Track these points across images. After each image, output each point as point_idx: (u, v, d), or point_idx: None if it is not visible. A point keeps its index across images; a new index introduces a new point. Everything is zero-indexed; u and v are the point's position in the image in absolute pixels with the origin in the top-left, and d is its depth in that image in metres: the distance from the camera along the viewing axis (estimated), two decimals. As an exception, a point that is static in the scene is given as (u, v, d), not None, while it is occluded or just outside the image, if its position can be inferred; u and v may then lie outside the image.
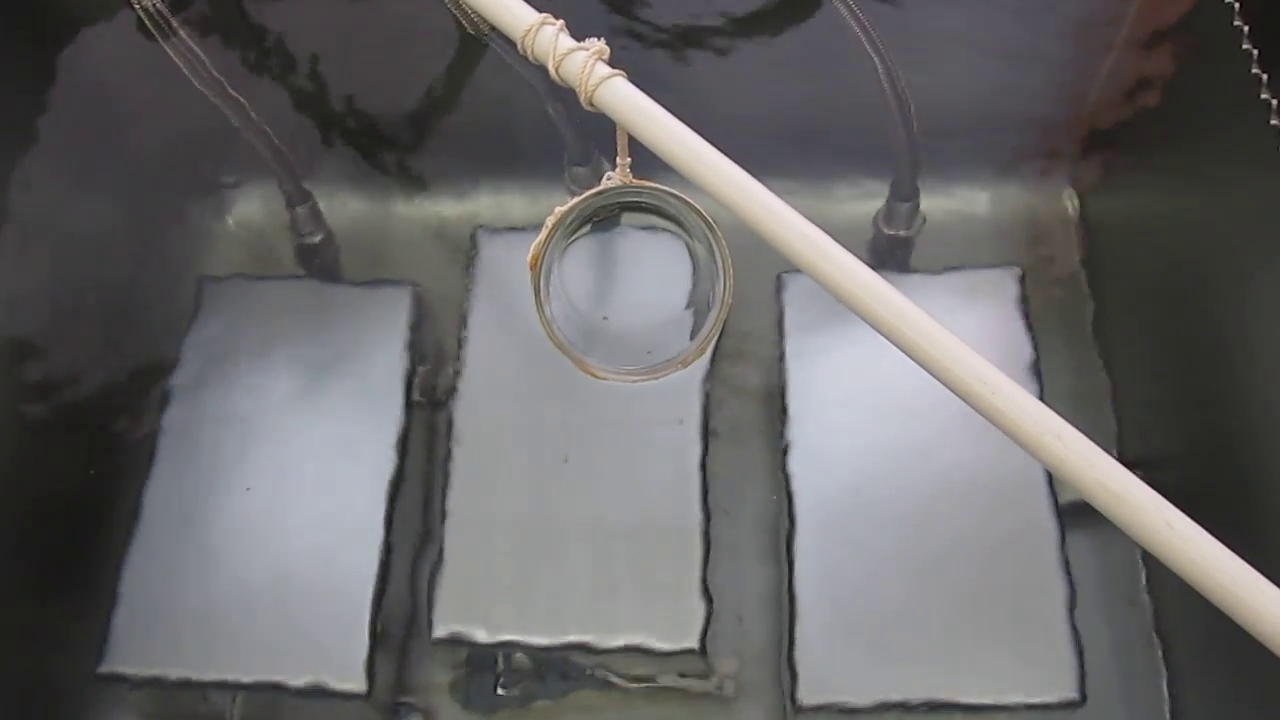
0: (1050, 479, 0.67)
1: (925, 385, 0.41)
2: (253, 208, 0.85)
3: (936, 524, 0.66)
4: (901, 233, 0.81)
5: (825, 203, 0.83)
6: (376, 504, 0.68)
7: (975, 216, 0.83)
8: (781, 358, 0.72)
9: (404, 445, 0.71)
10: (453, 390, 0.72)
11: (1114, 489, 0.37)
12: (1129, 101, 0.79)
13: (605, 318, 0.53)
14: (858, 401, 0.70)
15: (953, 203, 0.83)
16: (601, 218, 0.49)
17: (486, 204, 0.85)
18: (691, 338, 0.50)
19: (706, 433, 0.70)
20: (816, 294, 0.44)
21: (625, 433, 0.70)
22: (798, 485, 0.68)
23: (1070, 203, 0.83)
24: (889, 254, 0.81)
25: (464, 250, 0.78)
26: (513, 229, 0.77)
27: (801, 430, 0.69)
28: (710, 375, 0.72)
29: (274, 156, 0.78)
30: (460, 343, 0.73)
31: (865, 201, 0.83)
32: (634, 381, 0.50)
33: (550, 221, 0.48)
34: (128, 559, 0.67)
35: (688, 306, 0.52)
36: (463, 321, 0.74)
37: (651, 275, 0.56)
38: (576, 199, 0.48)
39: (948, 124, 0.81)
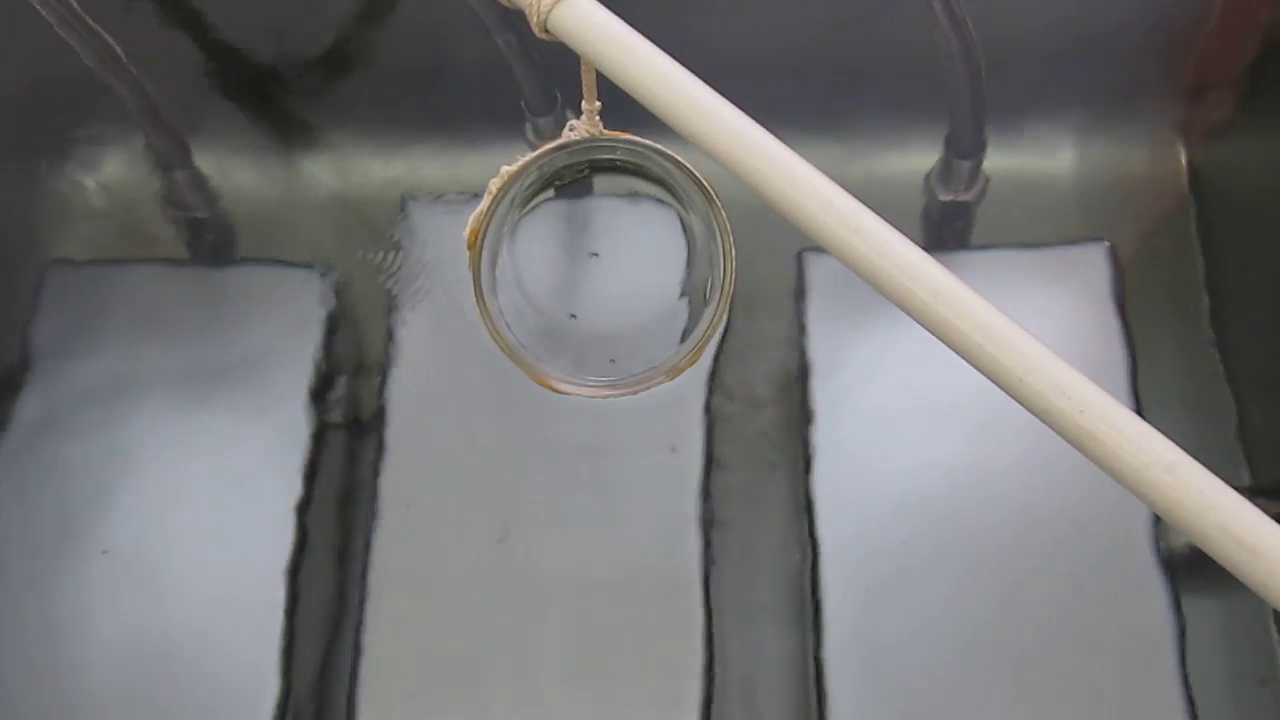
0: (1156, 522, 0.67)
1: (990, 399, 0.41)
2: (120, 173, 0.85)
3: (1004, 578, 0.66)
4: (960, 198, 0.81)
5: (860, 161, 0.82)
6: (277, 567, 0.68)
7: (1055, 177, 0.83)
8: (803, 364, 0.72)
9: (313, 483, 0.71)
10: (378, 409, 0.72)
11: (1244, 538, 0.36)
12: (1261, 28, 0.79)
13: (572, 315, 0.53)
14: (903, 420, 0.70)
15: (1026, 160, 0.83)
16: (565, 181, 0.49)
17: (420, 166, 0.85)
18: (684, 339, 0.50)
19: (708, 462, 0.70)
20: (849, 280, 0.43)
21: (602, 464, 0.70)
22: (826, 527, 0.68)
23: (1180, 160, 0.83)
24: (944, 226, 0.82)
25: (391, 226, 0.78)
26: (455, 196, 0.77)
27: (830, 457, 0.69)
28: (711, 387, 0.72)
29: (145, 108, 0.78)
30: (388, 347, 0.73)
31: (913, 159, 0.82)
32: (610, 397, 0.50)
33: (495, 186, 0.47)
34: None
35: (680, 297, 0.51)
36: (390, 319, 0.74)
37: (632, 257, 0.55)
38: (530, 156, 0.47)
39: (1019, 56, 0.80)
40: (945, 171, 0.81)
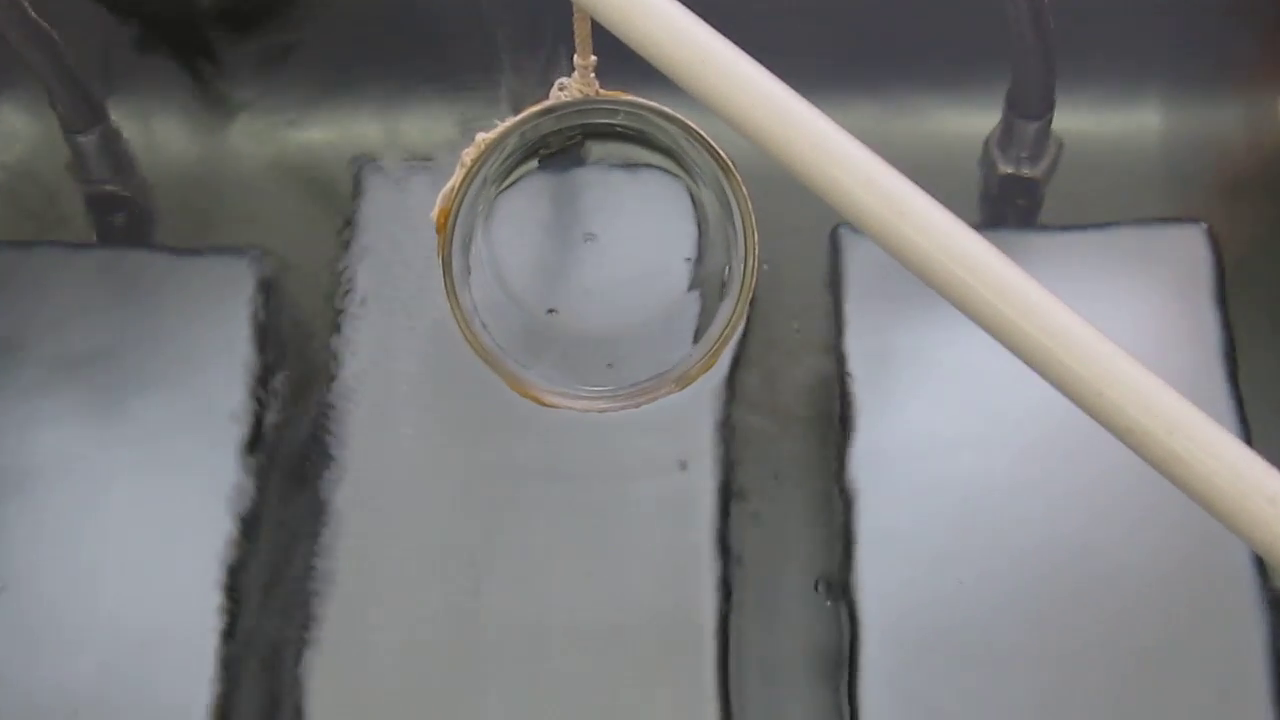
0: (1259, 565, 0.67)
1: (1059, 412, 0.41)
2: (19, 139, 0.84)
3: (1078, 626, 0.66)
4: (1025, 170, 0.81)
5: (905, 124, 0.82)
6: (205, 609, 0.68)
7: (1140, 145, 0.82)
8: (839, 367, 0.71)
9: (247, 513, 0.70)
10: (324, 425, 0.72)
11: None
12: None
13: (552, 310, 0.53)
14: (959, 437, 0.69)
15: (1105, 123, 0.83)
16: (553, 150, 0.50)
17: (375, 128, 0.85)
18: (696, 339, 0.50)
19: (725, 486, 0.70)
20: (892, 267, 0.43)
21: (596, 491, 0.69)
22: (865, 565, 0.67)
23: (1284, 126, 0.85)
24: (1006, 203, 0.81)
25: (341, 201, 0.77)
26: (417, 161, 0.76)
27: (873, 482, 0.69)
28: (729, 397, 0.72)
29: (50, 61, 0.77)
30: (337, 348, 0.73)
31: (969, 122, 0.82)
32: (606, 410, 0.50)
33: (469, 156, 0.48)
34: None
35: (691, 289, 0.52)
36: (340, 311, 0.73)
37: (632, 241, 0.55)
38: (512, 120, 0.47)
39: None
40: (1007, 136, 0.80)
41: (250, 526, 0.71)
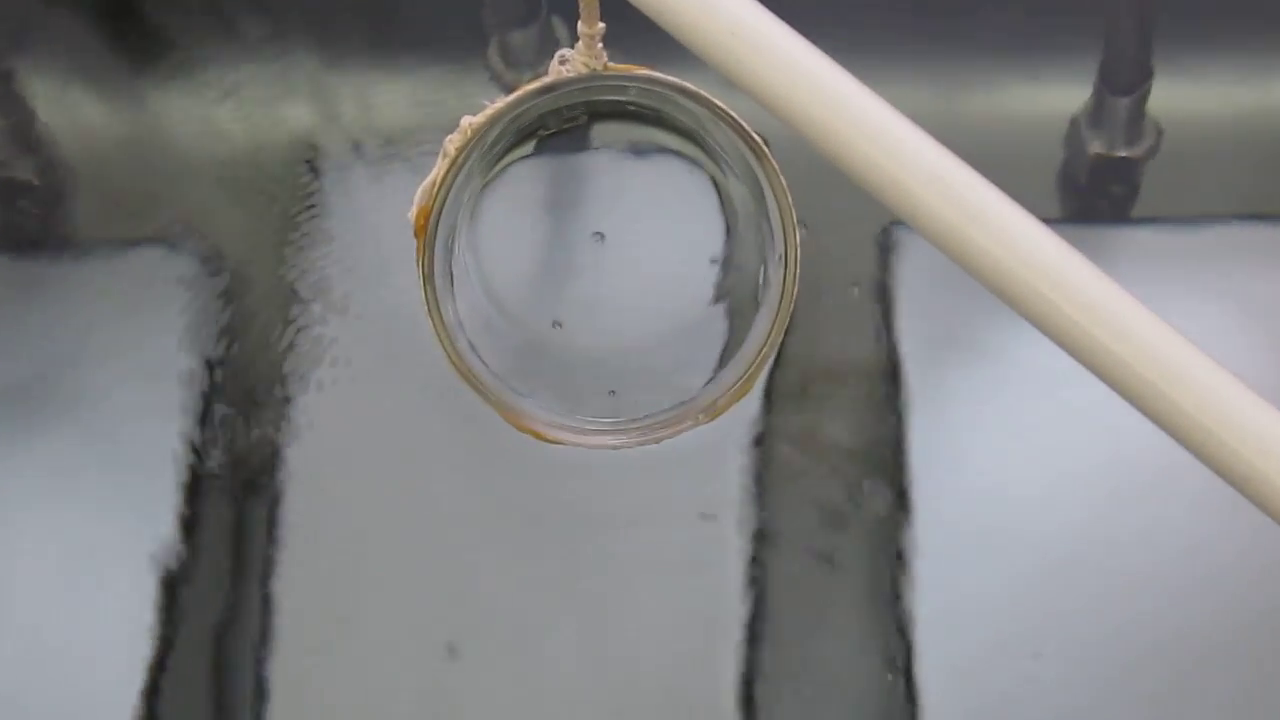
0: None
1: (1163, 455, 0.40)
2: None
3: (1159, 701, 0.66)
4: (1120, 152, 0.81)
5: (975, 103, 0.82)
6: (132, 671, 0.68)
7: (1251, 124, 0.83)
8: (893, 394, 0.72)
9: (184, 558, 0.71)
10: (276, 457, 0.72)
11: None
12: None
13: (557, 323, 0.52)
14: (1033, 478, 0.70)
15: (1210, 99, 0.83)
16: (553, 132, 0.49)
17: (340, 106, 0.84)
18: (724, 362, 0.50)
19: (756, 537, 0.70)
20: (957, 277, 0.42)
21: (605, 542, 0.70)
22: (923, 633, 0.68)
23: None
24: (1097, 191, 0.82)
25: (298, 194, 0.78)
26: (390, 148, 0.76)
27: (931, 531, 0.69)
28: (762, 430, 0.72)
29: None
30: (291, 362, 0.73)
31: (1053, 98, 0.82)
32: (617, 447, 0.49)
33: (454, 144, 0.47)
34: None
35: (717, 301, 0.51)
36: (296, 328, 0.74)
37: (647, 242, 0.54)
38: (504, 101, 0.47)
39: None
40: (1098, 114, 0.80)
41: (184, 572, 0.71)
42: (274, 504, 0.72)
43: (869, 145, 0.39)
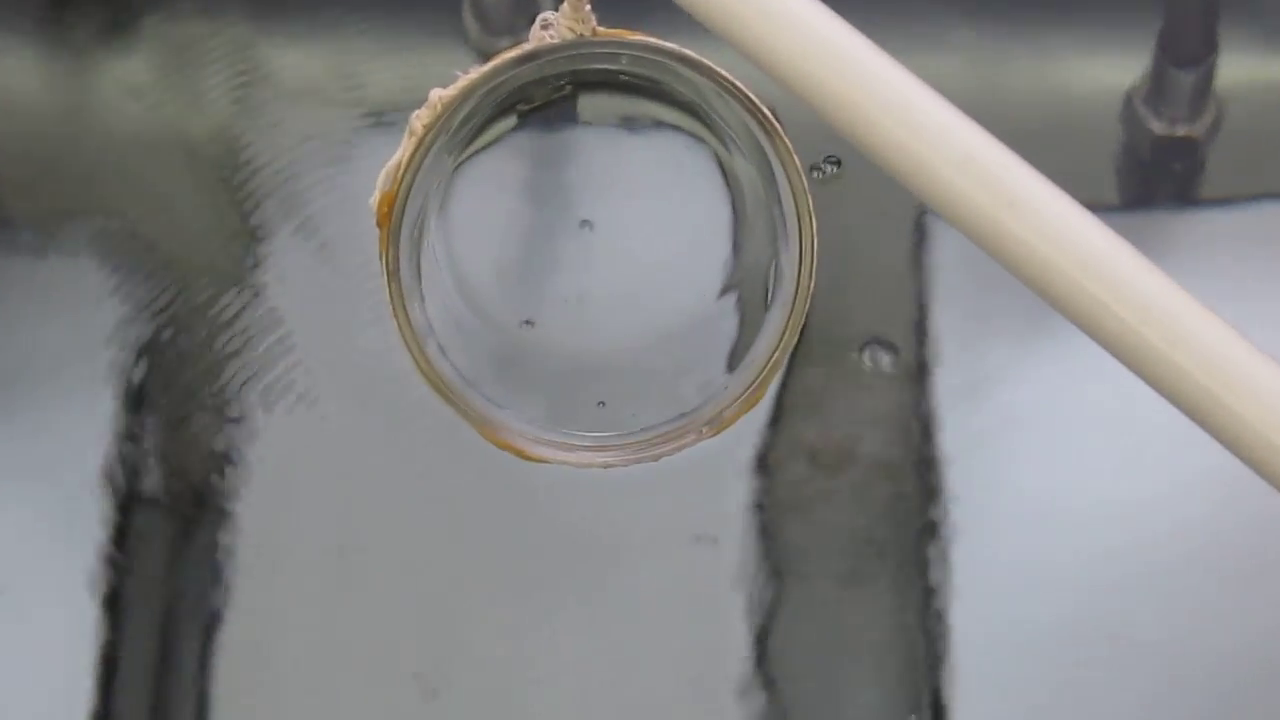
0: None
1: (1226, 471, 0.41)
2: None
3: None
4: (1180, 130, 0.81)
5: (1017, 75, 0.83)
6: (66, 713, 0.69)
7: None
8: (922, 400, 0.72)
9: (113, 601, 0.71)
10: (219, 482, 0.72)
11: None
12: None
13: (539, 324, 0.52)
14: (1086, 507, 0.70)
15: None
16: (535, 106, 0.50)
17: (290, 77, 0.84)
18: (732, 365, 0.50)
19: (765, 564, 0.70)
20: (996, 272, 0.43)
21: (593, 570, 0.70)
22: (962, 679, 0.68)
23: None
24: (1156, 173, 0.82)
25: (244, 172, 0.78)
26: (350, 125, 0.77)
27: (970, 562, 0.69)
28: (771, 441, 0.72)
29: None
30: (236, 369, 0.74)
31: (1107, 71, 0.83)
32: (610, 465, 0.50)
33: (420, 123, 0.47)
34: None
35: (723, 295, 0.51)
36: (239, 332, 0.74)
37: (643, 229, 0.54)
38: (479, 70, 0.47)
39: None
40: (1158, 88, 0.81)
41: (114, 618, 0.71)
42: (219, 529, 0.72)
43: (892, 121, 0.39)
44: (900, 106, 0.39)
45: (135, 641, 0.73)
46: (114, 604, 0.71)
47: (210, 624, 0.71)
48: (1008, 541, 0.71)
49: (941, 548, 0.71)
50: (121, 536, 0.72)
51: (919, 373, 0.74)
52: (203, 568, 0.73)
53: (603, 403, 0.51)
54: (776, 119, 0.46)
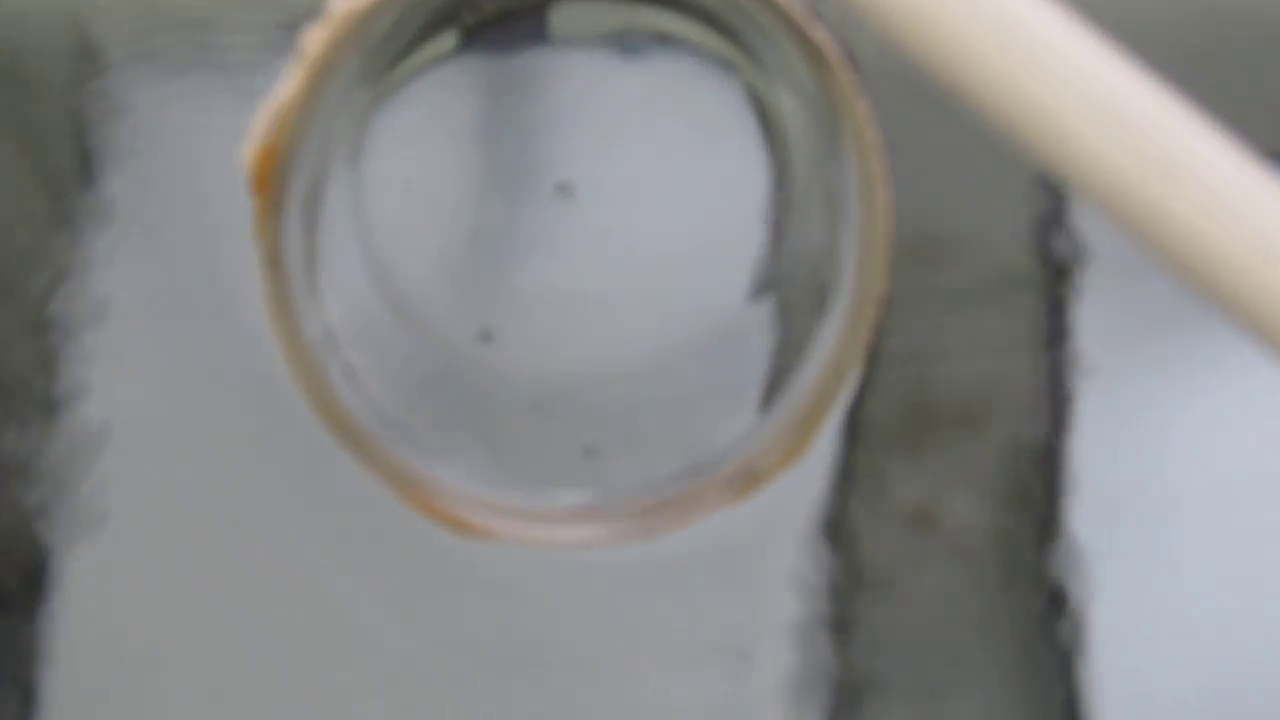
0: None
1: None
2: None
3: None
4: None
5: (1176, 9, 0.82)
6: None
7: None
8: (1052, 450, 0.70)
9: None
10: (37, 560, 0.72)
11: None
12: None
13: (494, 335, 0.53)
14: (1245, 568, 0.70)
15: None
16: (488, 17, 0.50)
17: None
18: (768, 401, 0.51)
19: (830, 682, 0.69)
20: (1149, 267, 0.40)
21: (580, 697, 0.70)
22: None
23: None
24: None
25: (65, 111, 0.77)
26: (199, 43, 0.77)
27: (1108, 675, 0.70)
28: (836, 510, 0.71)
29: None
30: (59, 403, 0.73)
31: None
32: (594, 546, 0.51)
33: (317, 41, 0.47)
34: None
35: (756, 296, 0.53)
36: (62, 336, 0.73)
37: (641, 198, 0.56)
38: None
39: None
40: None
41: None
42: (35, 617, 0.71)
43: (1004, 58, 0.36)
44: (1016, 35, 0.36)
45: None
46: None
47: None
48: (1166, 644, 0.72)
49: (1085, 651, 0.73)
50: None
51: (1046, 402, 0.75)
52: (16, 673, 0.71)
53: (588, 450, 0.51)
54: (832, 44, 0.46)
